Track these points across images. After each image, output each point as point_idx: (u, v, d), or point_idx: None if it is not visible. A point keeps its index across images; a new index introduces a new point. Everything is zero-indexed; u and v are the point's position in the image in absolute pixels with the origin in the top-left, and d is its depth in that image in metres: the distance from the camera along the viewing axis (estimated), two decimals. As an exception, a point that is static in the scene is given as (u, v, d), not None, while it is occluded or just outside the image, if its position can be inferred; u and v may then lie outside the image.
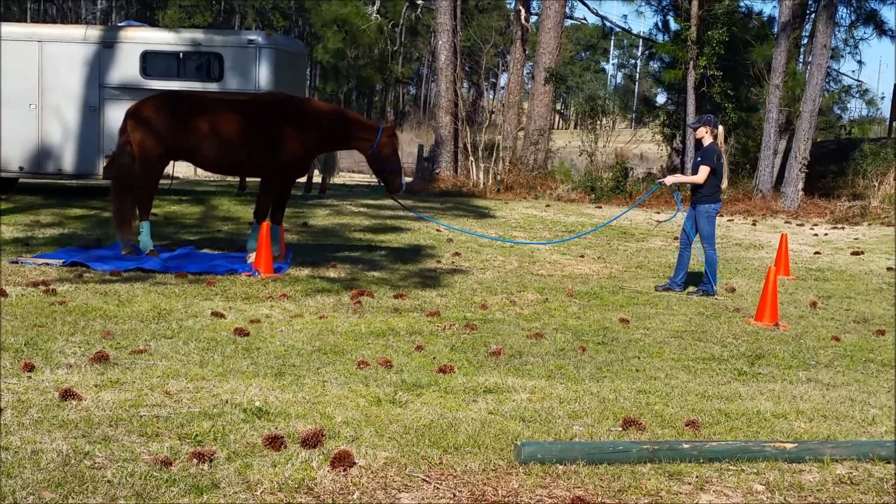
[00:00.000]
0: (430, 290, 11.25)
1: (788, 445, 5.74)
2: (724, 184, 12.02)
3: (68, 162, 19.44)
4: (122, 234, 12.45)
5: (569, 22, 37.35)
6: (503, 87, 51.69)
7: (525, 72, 34.60)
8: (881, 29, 30.51)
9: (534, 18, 33.03)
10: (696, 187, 11.84)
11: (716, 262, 12.02)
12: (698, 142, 12.12)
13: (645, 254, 15.65)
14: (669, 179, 12.20)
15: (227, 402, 6.21)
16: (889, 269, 15.28)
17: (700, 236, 11.90)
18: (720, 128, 12.00)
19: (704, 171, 11.70)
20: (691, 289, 12.12)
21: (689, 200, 12.14)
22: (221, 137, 12.16)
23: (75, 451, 5.17)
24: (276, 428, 5.71)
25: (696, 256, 12.30)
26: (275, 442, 5.39)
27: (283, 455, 5.28)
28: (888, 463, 5.71)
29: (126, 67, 19.16)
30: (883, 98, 57.62)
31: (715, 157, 11.72)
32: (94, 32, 19.62)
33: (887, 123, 35.04)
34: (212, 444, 5.40)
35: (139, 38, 19.43)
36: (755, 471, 5.50)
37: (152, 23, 63.28)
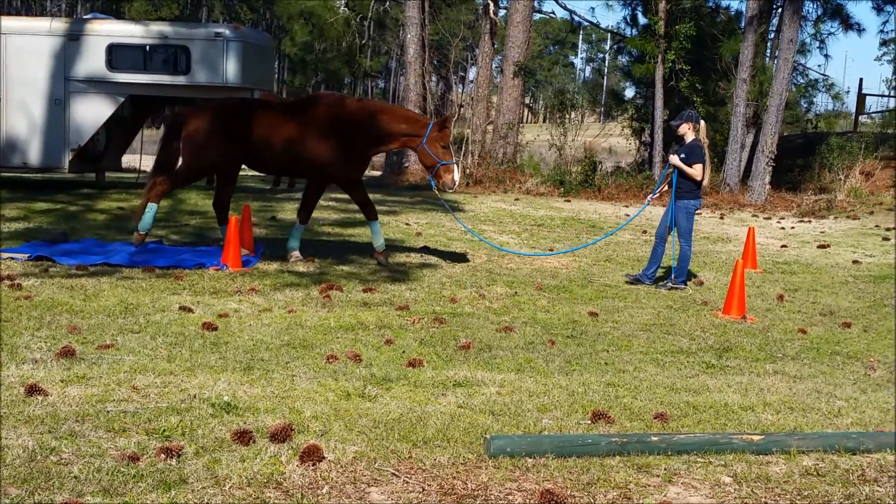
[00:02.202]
0: (400, 284, 11.23)
1: (756, 437, 5.77)
2: (706, 180, 12.00)
3: (34, 155, 19.25)
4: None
5: (537, 16, 37.36)
6: (472, 81, 51.68)
7: (494, 66, 34.59)
8: (847, 24, 30.76)
9: (502, 12, 33.06)
10: (678, 182, 11.80)
11: (689, 257, 12.05)
12: (676, 136, 12.08)
13: (614, 247, 15.69)
14: (674, 160, 11.87)
15: (195, 396, 6.18)
16: (855, 262, 15.42)
17: (677, 231, 11.90)
18: (702, 123, 11.95)
19: (699, 168, 11.65)
20: (662, 282, 12.16)
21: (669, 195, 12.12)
22: (278, 140, 12.11)
23: (41, 446, 5.12)
24: (245, 423, 5.68)
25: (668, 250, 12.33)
26: (243, 437, 5.36)
27: (251, 450, 5.25)
28: (854, 454, 5.76)
29: (92, 60, 18.99)
30: (849, 92, 58.08)
31: (702, 154, 11.70)
32: (60, 25, 19.43)
33: (853, 117, 35.31)
34: (180, 439, 5.37)
35: (105, 31, 19.26)
36: (723, 463, 5.53)
37: (118, 15, 62.79)
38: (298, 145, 11.99)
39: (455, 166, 12.17)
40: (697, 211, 12.12)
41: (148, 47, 19.16)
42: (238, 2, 79.60)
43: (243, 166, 13.01)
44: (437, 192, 12.82)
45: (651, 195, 12.44)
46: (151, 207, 12.34)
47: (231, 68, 18.84)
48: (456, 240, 15.45)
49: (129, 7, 70.19)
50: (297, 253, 12.29)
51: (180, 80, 19.08)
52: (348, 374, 7.05)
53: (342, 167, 12.17)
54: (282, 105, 13.00)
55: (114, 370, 6.74)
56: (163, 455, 5.06)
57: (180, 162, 12.48)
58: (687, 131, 11.83)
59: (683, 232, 11.86)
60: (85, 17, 22.37)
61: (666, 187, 12.05)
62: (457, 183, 12.22)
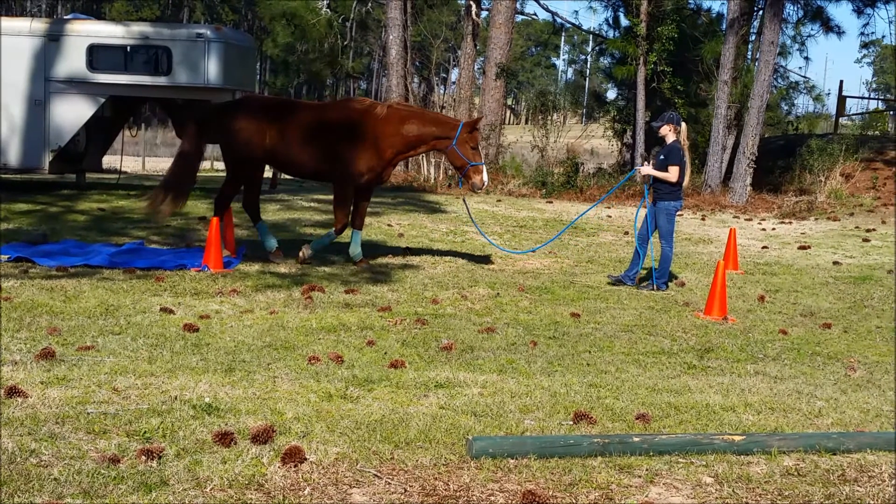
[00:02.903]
0: (382, 285, 11.22)
1: (737, 438, 5.79)
2: (686, 181, 12.04)
3: (13, 156, 19.12)
4: (155, 211, 12.70)
5: (519, 17, 37.46)
6: (454, 83, 51.70)
7: (476, 67, 34.58)
8: (827, 26, 30.91)
9: (484, 14, 33.12)
10: (657, 184, 11.84)
11: (670, 258, 12.09)
12: (658, 138, 12.12)
13: (596, 248, 15.73)
14: (645, 170, 12.01)
15: (176, 398, 6.16)
16: (835, 263, 15.49)
17: (658, 233, 11.94)
18: (683, 125, 12.00)
19: (675, 170, 11.70)
20: (644, 284, 12.18)
21: (650, 196, 12.15)
22: (307, 143, 12.16)
23: (21, 448, 5.09)
24: (226, 424, 5.67)
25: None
26: (225, 438, 5.34)
27: (233, 451, 5.24)
28: (834, 454, 5.79)
29: (72, 61, 18.89)
30: (829, 94, 58.49)
31: (680, 155, 11.75)
32: (40, 25, 19.32)
33: (833, 119, 35.49)
34: (160, 440, 5.35)
35: (86, 32, 19.16)
36: (704, 463, 5.55)
37: (99, 16, 62.53)
38: (334, 150, 12.06)
39: (484, 167, 12.24)
40: (679, 213, 12.16)
41: (129, 48, 19.07)
42: (219, 3, 79.40)
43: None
44: (461, 193, 12.88)
45: (606, 194, 12.51)
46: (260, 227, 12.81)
47: (212, 69, 18.79)
48: (438, 241, 15.44)
49: (109, 7, 69.96)
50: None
51: (161, 80, 19.01)
52: (330, 376, 7.04)
53: (378, 172, 12.27)
54: (313, 108, 13.10)
55: (94, 372, 6.71)
56: (143, 457, 5.04)
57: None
58: (668, 133, 11.88)
59: (665, 233, 11.89)
60: (65, 17, 22.29)
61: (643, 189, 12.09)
62: (486, 183, 12.27)
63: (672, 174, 11.66)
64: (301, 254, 12.32)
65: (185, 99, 19.79)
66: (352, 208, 12.50)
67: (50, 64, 18.87)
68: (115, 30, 19.81)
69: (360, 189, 12.44)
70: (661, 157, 11.83)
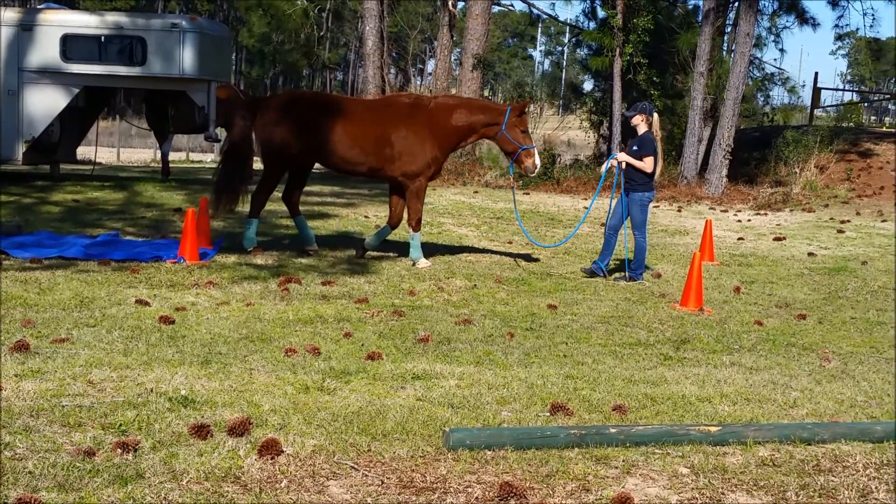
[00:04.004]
0: (359, 276, 11.21)
1: (713, 429, 5.82)
2: (658, 171, 12.07)
3: (-13, 147, 18.97)
4: (219, 209, 12.68)
5: (496, 8, 37.41)
6: (430, 74, 51.64)
7: (453, 58, 34.57)
8: (802, 18, 31.06)
9: (461, 4, 33.02)
10: (630, 175, 11.86)
11: (645, 249, 12.13)
12: (633, 129, 12.13)
13: (572, 240, 15.74)
14: (622, 157, 11.95)
15: (151, 390, 6.12)
16: (810, 254, 15.58)
17: (631, 223, 11.96)
18: (655, 115, 12.02)
19: (650, 161, 11.73)
20: (618, 274, 12.22)
21: (621, 187, 12.15)
22: (360, 141, 12.09)
23: (-5, 442, 5.05)
24: (203, 417, 5.64)
25: (622, 243, 12.39)
26: (201, 431, 5.32)
27: (209, 444, 5.22)
28: (809, 445, 5.82)
29: (46, 51, 18.74)
30: (804, 86, 58.70)
31: (654, 146, 11.78)
32: (12, 15, 19.15)
33: (808, 111, 35.68)
34: (136, 433, 5.32)
35: (59, 21, 19.01)
36: (680, 454, 5.56)
37: (72, 5, 62.05)
38: (392, 146, 12.02)
39: (535, 150, 12.23)
40: (654, 204, 12.20)
41: (103, 38, 18.94)
42: (195, -8, 78.87)
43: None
44: (511, 180, 12.79)
45: (597, 192, 12.53)
46: (253, 223, 12.63)
47: (187, 59, 18.68)
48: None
49: (83, -3, 69.36)
50: (423, 260, 12.25)
51: (136, 70, 18.89)
52: (307, 368, 7.03)
53: (441, 163, 12.34)
54: (361, 104, 13.13)
55: (69, 364, 6.67)
56: (119, 450, 5.01)
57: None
58: (640, 123, 11.91)
59: (638, 224, 11.91)
60: (38, 6, 22.07)
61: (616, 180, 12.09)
62: (538, 166, 12.24)
63: (647, 164, 11.70)
64: (415, 263, 12.18)
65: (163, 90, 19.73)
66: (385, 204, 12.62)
67: (23, 54, 18.70)
68: (89, 19, 19.66)
69: (397, 184, 12.39)
70: (635, 147, 11.84)
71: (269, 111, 12.38)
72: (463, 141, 12.39)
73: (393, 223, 12.59)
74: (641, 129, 11.88)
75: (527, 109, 12.19)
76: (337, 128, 12.08)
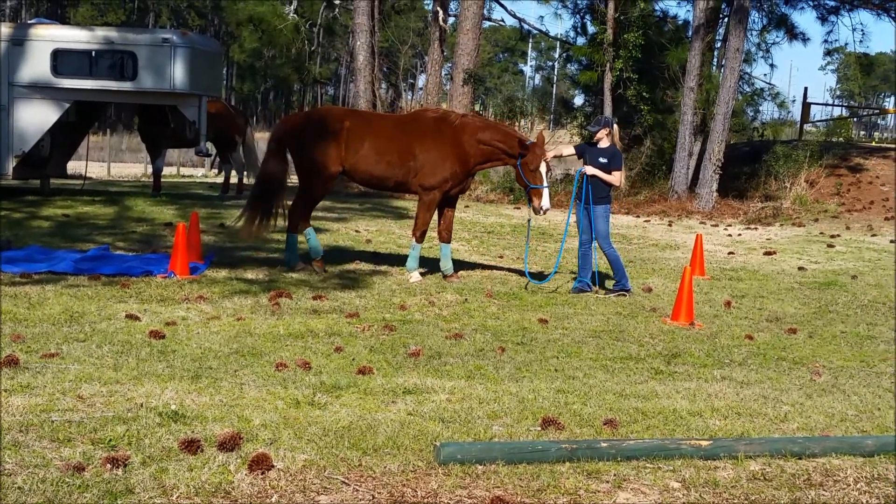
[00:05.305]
0: (349, 291, 11.20)
1: (704, 443, 5.82)
2: (622, 183, 12.27)
3: (-24, 162, 18.94)
4: (247, 234, 12.74)
5: (487, 23, 37.45)
6: (421, 89, 51.67)
7: (443, 73, 34.62)
8: (792, 33, 31.17)
9: (452, 20, 33.09)
10: (597, 187, 11.91)
11: (618, 257, 12.19)
12: (596, 142, 12.10)
13: (563, 255, 15.74)
14: (590, 170, 11.93)
15: (141, 405, 6.10)
16: (800, 268, 15.61)
17: (597, 236, 11.99)
18: (615, 126, 12.25)
19: (618, 175, 11.93)
20: (608, 287, 12.23)
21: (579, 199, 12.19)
22: (388, 156, 12.09)
23: (-16, 457, 5.03)
24: (193, 431, 5.62)
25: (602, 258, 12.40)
26: (191, 446, 5.30)
27: (199, 459, 5.20)
28: (800, 459, 5.82)
29: (36, 66, 18.73)
30: (794, 101, 58.98)
31: (621, 160, 11.98)
32: (3, 30, 19.13)
33: (798, 126, 35.78)
34: (126, 448, 5.30)
35: (50, 36, 19.01)
36: (671, 468, 5.56)
37: (63, 20, 62.09)
38: (416, 160, 12.02)
39: (545, 190, 11.97)
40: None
41: (94, 53, 18.94)
42: (186, 7, 79.05)
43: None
44: (527, 215, 12.65)
45: (572, 204, 12.52)
46: (310, 232, 12.66)
47: (178, 74, 18.68)
48: (406, 247, 15.39)
49: (74, 12, 69.48)
50: (416, 274, 12.28)
51: (126, 85, 18.89)
52: (298, 382, 7.01)
53: (460, 179, 12.23)
54: (389, 119, 13.19)
55: (59, 379, 6.64)
56: (109, 465, 4.99)
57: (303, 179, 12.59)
58: (603, 136, 12.01)
59: (604, 235, 11.97)
60: (29, 21, 22.08)
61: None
62: (544, 209, 11.96)
63: (616, 178, 11.91)
64: (411, 277, 12.23)
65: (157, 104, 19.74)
66: (437, 220, 12.54)
67: (13, 69, 18.70)
68: (80, 34, 19.67)
69: (446, 197, 12.35)
70: (603, 160, 11.87)
71: (303, 129, 12.37)
72: (487, 161, 12.28)
73: (444, 238, 12.55)
74: (605, 142, 12.01)
75: (540, 149, 11.69)
76: (365, 144, 12.09)
